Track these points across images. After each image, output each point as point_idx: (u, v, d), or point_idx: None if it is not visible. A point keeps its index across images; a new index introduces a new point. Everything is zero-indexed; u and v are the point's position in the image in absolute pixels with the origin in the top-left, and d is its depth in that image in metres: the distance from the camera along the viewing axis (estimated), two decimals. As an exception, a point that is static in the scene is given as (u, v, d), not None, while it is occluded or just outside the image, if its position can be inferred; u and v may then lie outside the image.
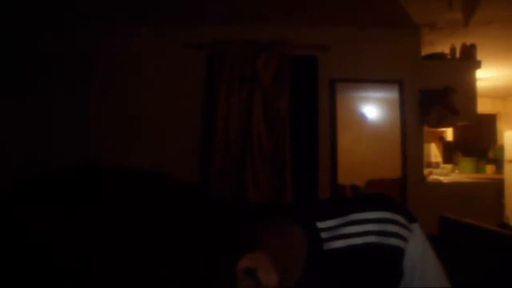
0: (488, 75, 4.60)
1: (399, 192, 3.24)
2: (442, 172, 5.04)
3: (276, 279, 0.41)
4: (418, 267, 0.54)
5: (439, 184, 3.84)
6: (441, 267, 0.58)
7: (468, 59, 3.51)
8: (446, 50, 3.57)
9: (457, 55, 3.56)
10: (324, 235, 0.54)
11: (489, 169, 5.47)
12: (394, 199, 0.57)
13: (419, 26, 3.23)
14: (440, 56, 3.52)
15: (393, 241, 0.53)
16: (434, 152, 5.81)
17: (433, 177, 4.41)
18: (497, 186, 3.87)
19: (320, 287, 0.52)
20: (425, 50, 3.49)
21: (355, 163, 3.27)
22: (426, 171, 4.12)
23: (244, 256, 0.40)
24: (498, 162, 5.59)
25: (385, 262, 0.53)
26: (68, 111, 3.04)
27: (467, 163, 5.51)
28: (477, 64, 3.53)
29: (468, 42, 3.50)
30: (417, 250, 0.54)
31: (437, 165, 5.54)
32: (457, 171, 5.48)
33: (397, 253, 0.53)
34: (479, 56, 3.53)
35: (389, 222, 0.54)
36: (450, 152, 5.95)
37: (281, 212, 0.57)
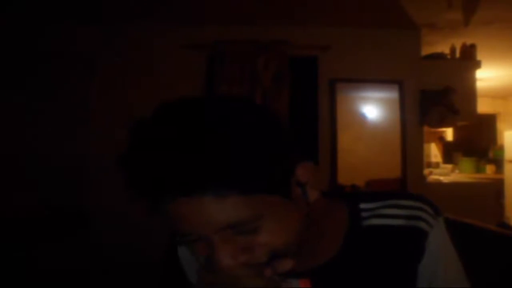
0: (488, 75, 4.60)
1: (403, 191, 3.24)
2: (442, 172, 5.04)
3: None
4: (441, 259, 0.61)
5: (439, 184, 3.84)
6: (461, 266, 0.64)
7: (468, 59, 3.51)
8: (446, 50, 3.56)
9: (457, 55, 3.55)
10: (364, 214, 0.64)
11: (489, 169, 5.47)
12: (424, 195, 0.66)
13: (419, 26, 3.23)
14: (440, 56, 3.52)
15: (419, 224, 0.61)
16: (434, 152, 5.81)
17: (433, 177, 4.41)
18: (497, 186, 3.87)
19: (355, 259, 0.60)
20: (425, 50, 3.49)
21: (355, 163, 3.26)
22: (426, 171, 4.11)
23: (300, 165, 0.54)
24: (498, 162, 5.58)
25: (410, 241, 0.61)
26: (68, 111, 3.04)
27: (467, 163, 5.51)
28: (477, 64, 3.53)
29: (468, 42, 3.50)
30: (440, 237, 0.62)
31: (437, 165, 5.53)
32: (457, 171, 5.48)
33: (421, 234, 0.61)
34: (479, 56, 3.53)
35: (418, 209, 0.62)
36: (450, 152, 5.95)
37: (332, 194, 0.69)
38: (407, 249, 0.60)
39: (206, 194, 0.45)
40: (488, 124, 6.23)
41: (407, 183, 3.24)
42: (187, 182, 0.44)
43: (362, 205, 0.64)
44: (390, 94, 3.33)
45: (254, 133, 0.48)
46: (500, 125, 6.39)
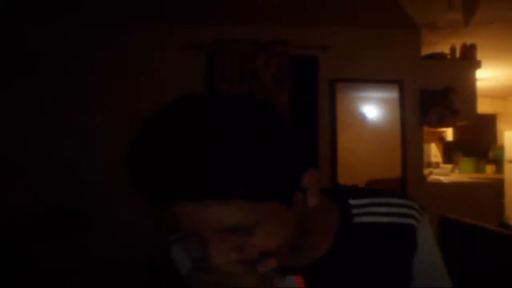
0: (488, 75, 4.60)
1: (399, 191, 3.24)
2: (442, 172, 5.04)
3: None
4: (427, 252, 0.64)
5: (439, 184, 3.84)
6: (444, 265, 0.67)
7: (468, 59, 3.51)
8: (446, 50, 3.56)
9: (457, 55, 3.55)
10: (355, 211, 0.65)
11: (489, 169, 5.47)
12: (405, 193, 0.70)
13: (419, 26, 3.23)
14: (440, 56, 3.51)
15: (408, 221, 0.64)
16: (434, 152, 5.80)
17: (433, 177, 4.40)
18: (497, 186, 3.86)
19: (348, 256, 0.62)
20: (425, 50, 3.49)
21: (355, 163, 3.26)
22: (426, 171, 4.11)
23: (307, 172, 0.55)
24: (498, 162, 5.58)
25: (402, 238, 0.63)
26: (68, 111, 3.03)
27: (467, 163, 5.50)
28: (477, 64, 3.53)
29: (468, 42, 3.50)
30: (427, 231, 0.65)
31: (437, 165, 5.53)
32: (457, 171, 5.47)
33: (411, 230, 0.63)
34: (479, 56, 3.53)
35: (406, 207, 0.65)
36: (450, 152, 5.95)
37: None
38: (400, 245, 0.63)
39: (210, 198, 0.45)
40: (488, 124, 6.23)
41: (407, 183, 3.24)
42: (192, 186, 0.44)
43: (352, 202, 0.66)
44: (390, 94, 3.33)
45: (263, 139, 0.47)
46: (500, 125, 6.38)
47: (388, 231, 0.63)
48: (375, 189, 0.71)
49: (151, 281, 0.62)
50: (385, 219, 0.64)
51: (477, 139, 6.08)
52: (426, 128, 3.52)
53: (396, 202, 0.65)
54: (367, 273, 0.61)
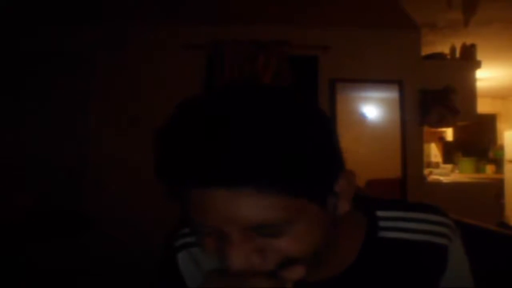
0: (488, 75, 4.60)
1: (399, 192, 3.24)
2: (442, 172, 5.04)
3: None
4: (459, 271, 0.60)
5: (439, 184, 3.84)
6: (472, 282, 0.63)
7: (468, 59, 3.51)
8: (446, 50, 3.56)
9: (457, 55, 3.56)
10: (382, 223, 0.59)
11: (489, 169, 5.47)
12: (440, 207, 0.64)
13: (419, 26, 3.23)
14: (440, 56, 3.52)
15: (442, 241, 0.59)
16: (434, 152, 5.80)
17: (433, 177, 4.40)
18: (497, 186, 3.87)
19: (371, 273, 0.57)
20: (425, 50, 3.49)
21: (355, 163, 3.25)
22: (426, 171, 4.11)
23: (342, 173, 0.50)
24: (498, 162, 5.59)
25: (432, 258, 0.58)
26: (68, 111, 3.03)
27: (467, 163, 5.50)
28: (477, 64, 3.53)
29: (468, 42, 3.50)
30: (458, 250, 0.60)
31: (437, 165, 5.53)
32: (457, 171, 5.47)
33: (443, 250, 0.58)
34: (479, 56, 3.53)
35: (441, 225, 0.60)
36: (450, 152, 5.95)
37: None
38: (429, 266, 0.58)
39: (243, 185, 0.42)
40: (488, 124, 6.23)
41: (407, 183, 3.24)
42: (225, 170, 0.41)
43: (380, 213, 0.60)
44: (390, 94, 3.33)
45: (296, 128, 0.44)
46: (500, 125, 6.38)
47: (418, 250, 0.58)
48: (406, 201, 0.67)
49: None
50: (415, 237, 0.58)
51: (477, 139, 6.08)
52: (426, 128, 3.52)
53: (430, 219, 0.60)
54: None
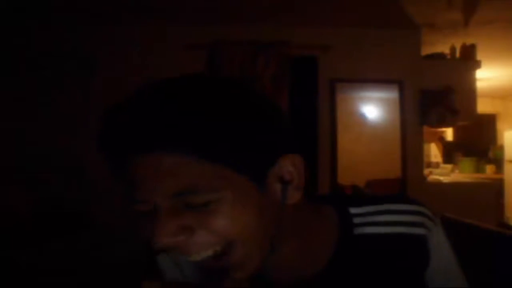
0: (488, 75, 4.60)
1: (399, 192, 3.24)
2: (442, 172, 5.04)
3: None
4: (443, 259, 0.59)
5: (439, 184, 3.84)
6: (459, 269, 0.61)
7: (468, 59, 3.51)
8: (446, 50, 3.56)
9: (457, 55, 3.55)
10: (356, 220, 0.58)
11: (489, 169, 5.47)
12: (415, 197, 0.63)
13: (419, 26, 3.23)
14: (440, 56, 3.51)
15: (418, 231, 0.57)
16: (434, 152, 5.81)
17: (433, 177, 4.40)
18: (497, 186, 3.87)
19: (348, 272, 0.55)
20: (425, 50, 3.49)
21: (355, 163, 3.26)
22: (426, 171, 4.11)
23: (285, 156, 0.49)
24: (498, 162, 5.59)
25: (411, 251, 0.56)
26: (68, 111, 3.04)
27: (467, 163, 5.51)
28: (477, 64, 3.53)
29: (468, 42, 3.50)
30: (438, 237, 0.59)
31: (437, 165, 5.53)
32: (457, 171, 5.48)
33: (422, 241, 0.57)
34: (479, 56, 3.53)
35: (417, 214, 0.58)
36: (450, 152, 5.95)
37: (316, 197, 0.61)
38: (409, 259, 0.57)
39: (159, 151, 0.43)
40: (488, 124, 6.23)
41: (407, 183, 3.24)
42: (141, 137, 0.43)
43: (352, 210, 0.59)
44: (390, 94, 3.33)
45: (223, 102, 0.45)
46: (500, 125, 6.39)
47: (396, 243, 0.56)
48: (378, 195, 0.65)
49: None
50: (391, 230, 0.57)
51: (477, 139, 6.08)
52: (426, 128, 3.52)
53: (402, 209, 0.58)
54: None
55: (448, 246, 0.61)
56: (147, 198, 0.45)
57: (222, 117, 0.44)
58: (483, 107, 4.34)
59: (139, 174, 0.44)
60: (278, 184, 0.49)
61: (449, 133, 6.05)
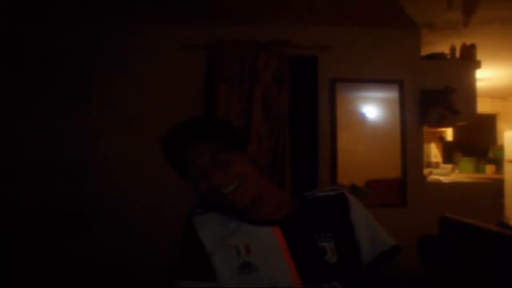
0: (488, 75, 4.60)
1: (399, 192, 3.24)
2: (442, 172, 5.05)
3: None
4: (360, 210, 0.99)
5: (439, 184, 3.84)
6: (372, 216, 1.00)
7: (468, 59, 3.51)
8: (446, 50, 3.56)
9: (457, 55, 3.55)
10: (306, 194, 1.03)
11: (489, 169, 5.48)
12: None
13: (419, 26, 3.23)
14: (440, 56, 3.51)
15: (339, 191, 1.02)
16: (434, 152, 5.81)
17: (433, 177, 4.41)
18: (497, 186, 3.86)
19: (306, 214, 0.96)
20: (425, 50, 3.49)
21: (355, 163, 3.26)
22: (426, 171, 4.11)
23: (248, 145, 0.98)
24: (498, 162, 5.59)
25: (338, 200, 1.00)
26: (68, 110, 3.04)
27: (467, 163, 5.51)
28: (477, 64, 3.53)
29: (468, 42, 3.50)
30: (355, 201, 1.00)
31: (437, 165, 5.54)
32: (457, 171, 5.48)
33: (342, 195, 1.00)
34: (479, 56, 3.53)
35: (336, 189, 1.04)
36: (450, 152, 5.96)
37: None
38: (338, 205, 0.98)
39: (202, 141, 0.90)
40: (488, 124, 6.23)
41: (407, 183, 3.24)
42: (194, 135, 0.91)
43: (305, 193, 1.03)
44: (390, 94, 3.34)
45: (224, 124, 0.98)
46: (500, 125, 6.39)
47: (328, 199, 1.00)
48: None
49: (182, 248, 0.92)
50: (324, 194, 1.02)
51: (477, 139, 6.09)
52: (426, 128, 3.52)
53: (329, 188, 1.04)
54: (321, 224, 0.93)
55: (362, 207, 0.99)
56: (199, 164, 0.88)
57: (224, 127, 0.96)
58: (483, 107, 4.34)
59: (194, 153, 0.89)
60: (252, 154, 0.97)
61: (449, 133, 6.05)
